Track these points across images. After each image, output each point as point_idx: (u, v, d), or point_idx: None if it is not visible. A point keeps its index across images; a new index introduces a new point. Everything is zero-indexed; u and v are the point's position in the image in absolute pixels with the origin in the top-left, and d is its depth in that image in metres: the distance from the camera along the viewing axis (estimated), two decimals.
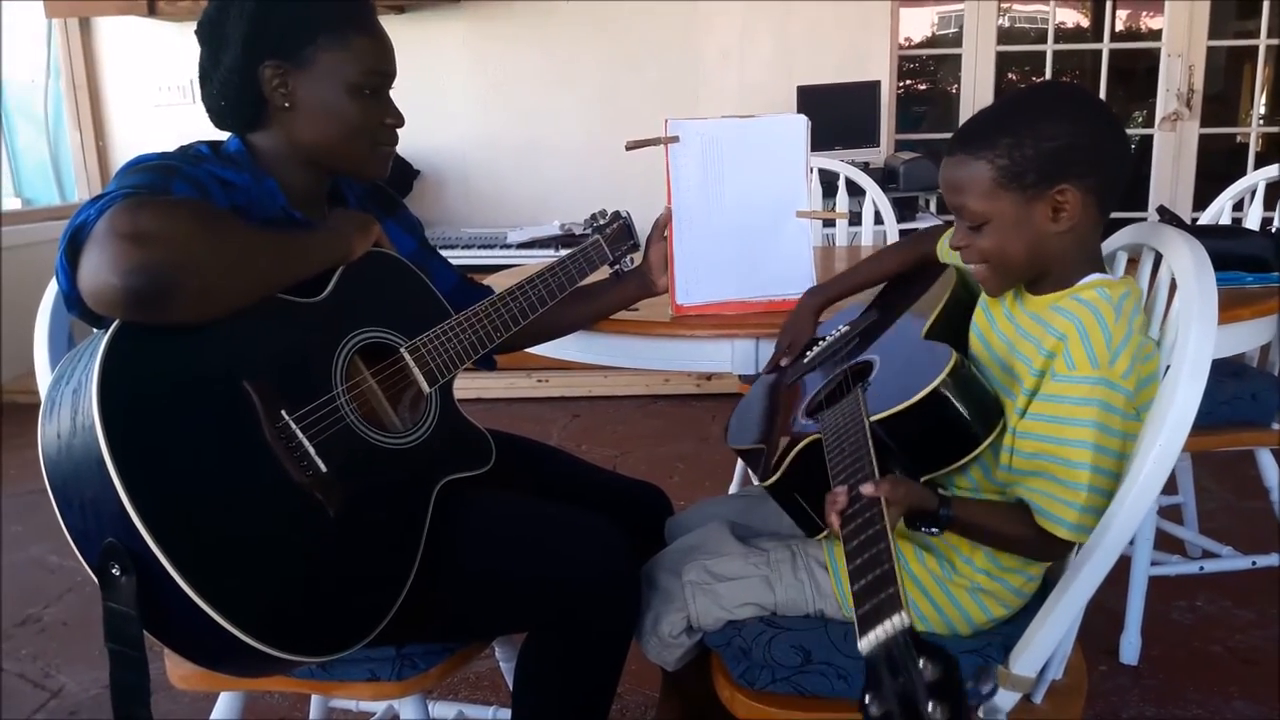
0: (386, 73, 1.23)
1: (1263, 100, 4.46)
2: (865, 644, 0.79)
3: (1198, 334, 0.98)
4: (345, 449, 1.10)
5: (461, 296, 1.41)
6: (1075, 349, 1.03)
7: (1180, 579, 2.23)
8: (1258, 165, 4.32)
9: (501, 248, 3.93)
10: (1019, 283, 1.15)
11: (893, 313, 1.39)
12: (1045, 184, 1.04)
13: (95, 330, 1.03)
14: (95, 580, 0.94)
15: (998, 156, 1.05)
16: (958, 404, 1.09)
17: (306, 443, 1.05)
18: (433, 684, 1.25)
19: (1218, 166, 4.48)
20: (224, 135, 1.26)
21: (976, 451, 1.10)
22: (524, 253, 3.88)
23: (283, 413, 1.05)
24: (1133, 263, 1.28)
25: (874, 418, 1.10)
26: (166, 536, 0.91)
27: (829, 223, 2.92)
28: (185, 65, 4.34)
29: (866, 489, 0.84)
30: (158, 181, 1.06)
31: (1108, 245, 1.25)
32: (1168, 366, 1.02)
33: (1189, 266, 1.03)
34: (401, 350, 1.22)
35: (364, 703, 1.64)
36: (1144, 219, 4.44)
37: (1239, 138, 4.73)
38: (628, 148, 1.59)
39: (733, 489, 2.83)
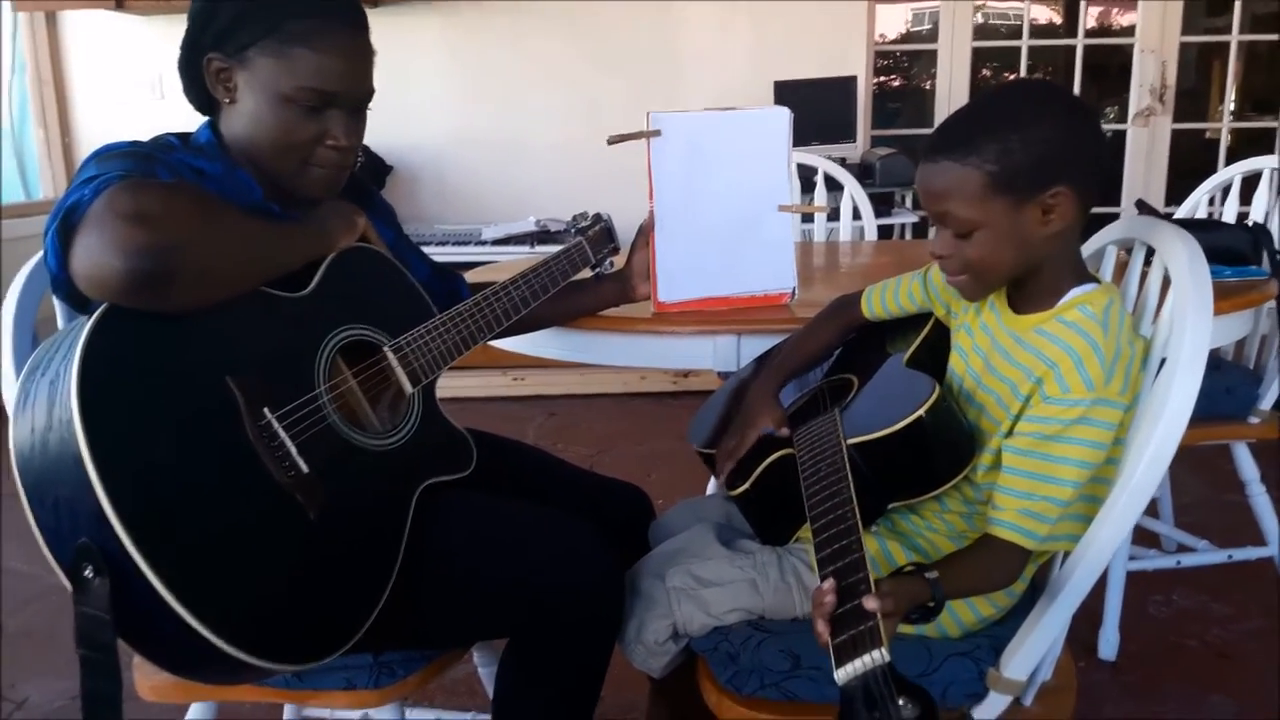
0: (331, 92, 1.15)
1: (1232, 96, 4.50)
2: (842, 675, 0.78)
3: (1193, 328, 0.97)
4: (327, 449, 1.07)
5: (435, 286, 1.39)
6: (1069, 375, 1.02)
7: (1157, 573, 2.24)
8: (1229, 160, 4.37)
9: (476, 244, 3.88)
10: (1000, 288, 1.14)
11: (874, 335, 1.38)
12: (1037, 187, 1.02)
13: (77, 316, 1.00)
14: (65, 584, 0.91)
15: (986, 162, 1.02)
16: (936, 437, 1.10)
17: (289, 442, 1.02)
18: (411, 691, 1.23)
19: (1189, 162, 4.52)
20: (190, 128, 1.22)
21: (948, 485, 1.11)
22: (499, 249, 3.84)
23: (265, 410, 1.01)
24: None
25: (851, 441, 1.09)
26: (144, 537, 0.88)
27: (807, 218, 2.91)
28: (154, 60, 4.26)
29: (869, 604, 0.81)
30: (142, 167, 1.03)
31: (1099, 239, 1.24)
32: (1163, 360, 1.01)
33: (1183, 261, 1.03)
34: (385, 349, 1.19)
35: (338, 711, 1.61)
36: (1117, 214, 4.49)
37: (1209, 133, 4.77)
38: (610, 142, 1.56)
39: (710, 488, 2.81)
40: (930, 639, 1.15)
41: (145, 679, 1.21)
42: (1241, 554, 2.08)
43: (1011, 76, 5.01)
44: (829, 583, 0.87)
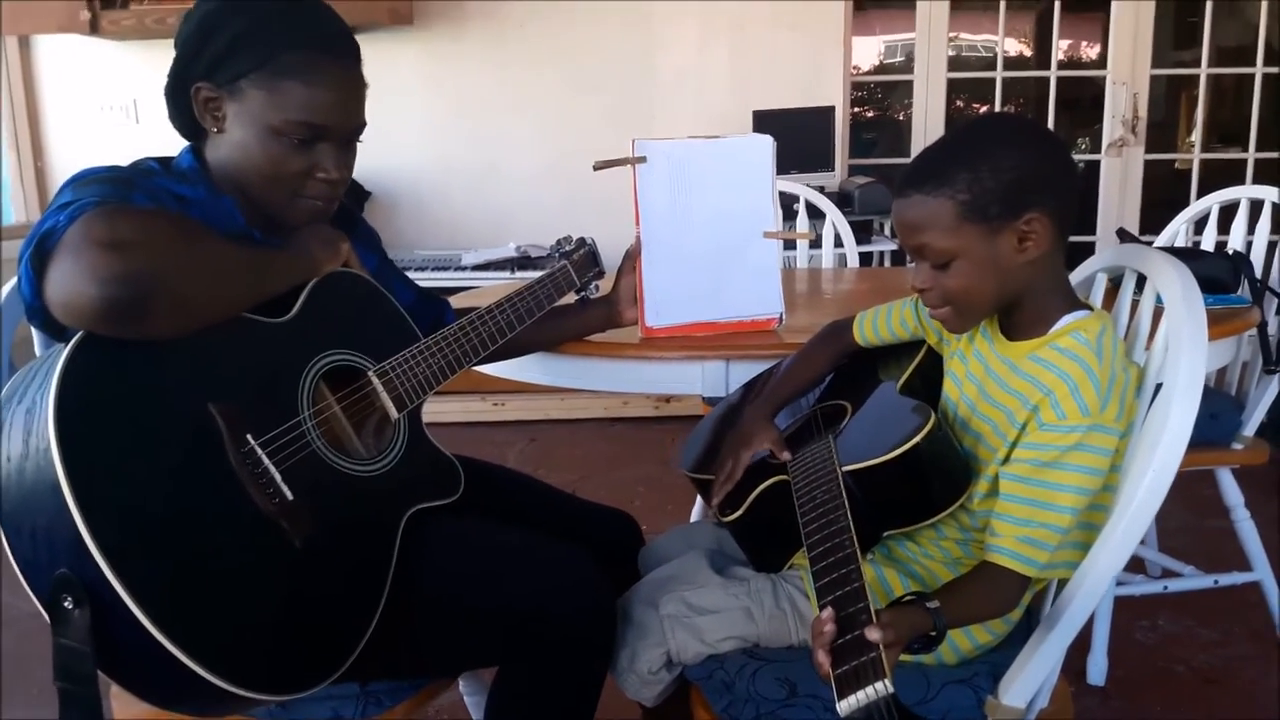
0: (322, 126, 1.14)
1: (1198, 128, 4.58)
2: (845, 706, 0.77)
3: (1189, 354, 0.97)
4: (312, 476, 1.05)
5: (420, 311, 1.38)
6: (1065, 401, 1.02)
7: (1144, 599, 2.24)
8: (1200, 190, 4.44)
9: (456, 269, 3.87)
10: (984, 319, 1.14)
11: (867, 361, 1.38)
12: (1010, 214, 1.03)
13: (53, 345, 0.98)
14: (42, 614, 0.88)
15: (958, 192, 1.03)
16: (932, 465, 1.09)
17: (273, 469, 1.00)
18: None
19: (1161, 191, 4.59)
20: (170, 152, 1.20)
21: (944, 513, 1.11)
22: (479, 275, 3.83)
23: (248, 437, 0.99)
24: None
25: (846, 468, 1.08)
26: (124, 567, 0.85)
27: (789, 244, 2.91)
28: (128, 85, 4.23)
29: (873, 635, 0.80)
30: (119, 193, 1.01)
31: (1088, 266, 1.25)
32: (1157, 386, 1.02)
33: (1177, 289, 1.03)
34: (370, 374, 1.17)
35: None
36: (1093, 243, 4.52)
37: (1178, 163, 4.85)
38: (595, 168, 1.56)
39: (694, 514, 2.80)
40: (927, 667, 1.14)
41: (124, 709, 1.17)
42: (1227, 579, 2.09)
43: (984, 108, 5.07)
44: (828, 612, 0.86)
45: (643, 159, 1.56)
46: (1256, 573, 2.08)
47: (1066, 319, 1.08)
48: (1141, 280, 1.15)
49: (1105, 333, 1.06)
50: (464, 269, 3.87)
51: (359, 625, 1.05)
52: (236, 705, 0.96)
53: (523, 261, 3.87)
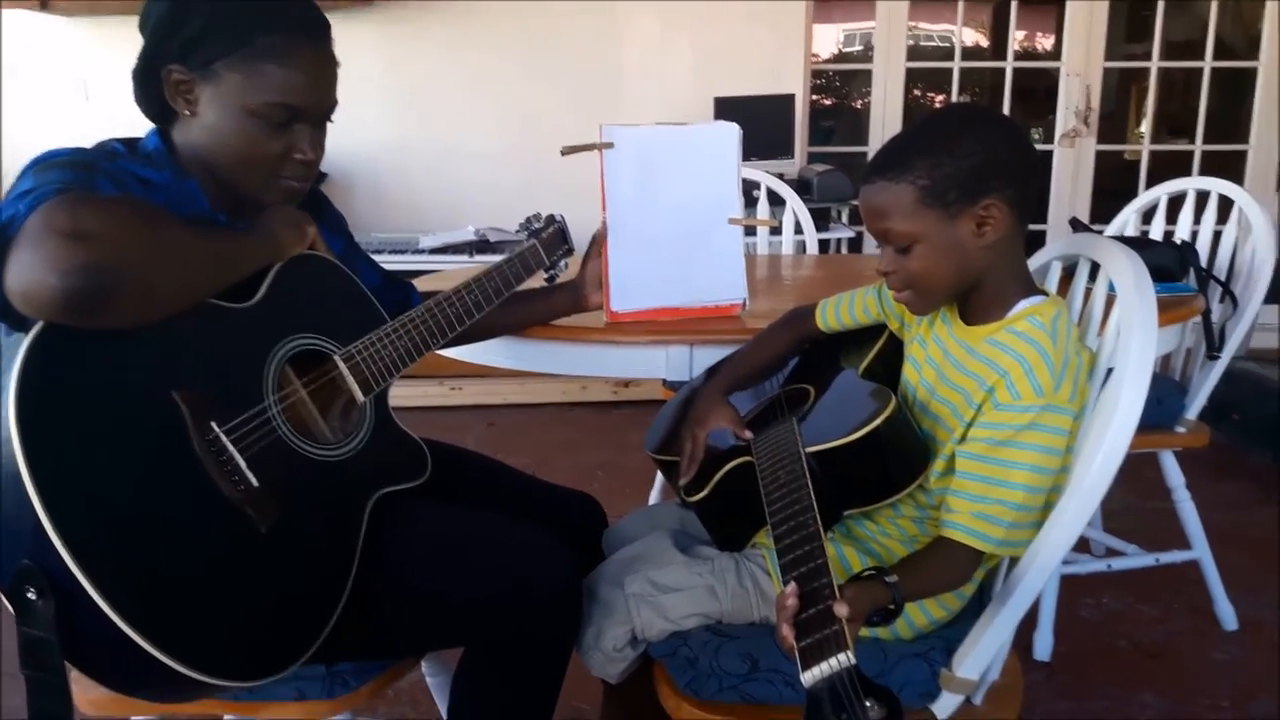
0: (299, 108, 1.14)
1: (1149, 119, 4.68)
2: (808, 677, 0.79)
3: (1140, 340, 1.01)
4: (277, 462, 1.05)
5: (386, 295, 1.38)
6: (1020, 383, 1.05)
7: (1089, 577, 2.31)
8: (1149, 180, 4.54)
9: (414, 253, 3.84)
10: (946, 302, 1.18)
11: (828, 346, 1.41)
12: (968, 200, 1.06)
13: (14, 334, 0.96)
14: (7, 605, 0.88)
15: (918, 178, 1.06)
16: (892, 446, 1.12)
17: (237, 456, 1.00)
18: (364, 702, 1.21)
19: (1111, 181, 4.69)
20: (132, 134, 1.19)
21: (903, 493, 1.14)
22: (437, 258, 3.81)
23: (213, 424, 0.99)
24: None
25: (809, 449, 1.11)
26: (88, 557, 0.85)
27: (749, 231, 2.94)
28: (80, 62, 4.13)
29: (839, 610, 0.83)
30: (81, 179, 0.99)
31: (1043, 254, 1.29)
32: (1108, 370, 1.05)
33: (1128, 276, 1.07)
34: (335, 358, 1.17)
35: None
36: (1044, 232, 4.60)
37: (1127, 154, 4.96)
38: (563, 152, 1.57)
39: (653, 497, 2.83)
40: (884, 641, 1.18)
41: (84, 693, 1.17)
42: (1168, 557, 2.16)
43: (940, 98, 5.14)
44: (791, 587, 0.88)
45: (610, 145, 1.57)
46: (1195, 551, 2.15)
47: (1023, 304, 1.11)
48: (1095, 268, 1.19)
49: (1060, 317, 1.09)
50: (421, 252, 3.84)
51: (325, 609, 1.06)
52: (205, 692, 0.96)
53: (481, 245, 3.86)
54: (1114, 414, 0.99)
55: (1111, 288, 1.12)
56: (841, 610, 0.83)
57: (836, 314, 1.36)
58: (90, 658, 0.92)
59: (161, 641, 0.87)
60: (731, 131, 1.64)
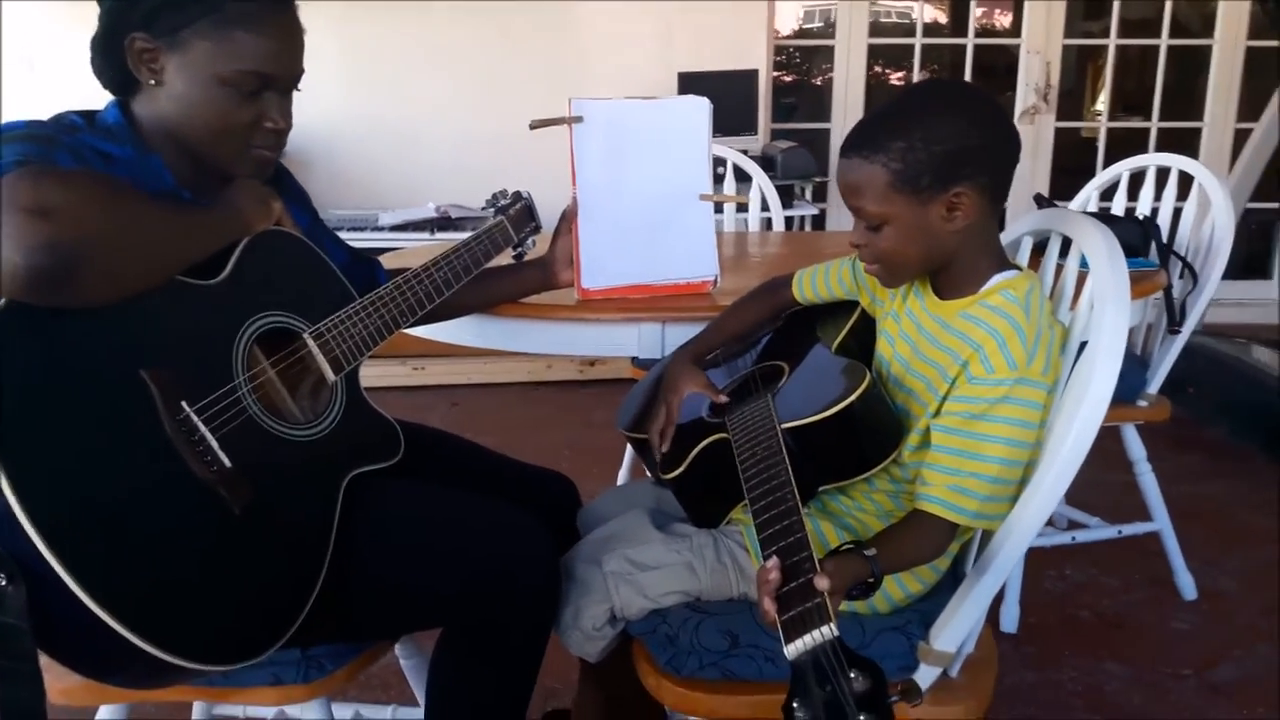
0: (270, 75, 1.12)
1: (1106, 97, 4.73)
2: (792, 650, 0.79)
3: (1113, 314, 1.02)
4: (250, 442, 1.03)
5: (353, 273, 1.35)
6: (994, 355, 1.06)
7: (1053, 549, 2.35)
8: (1107, 157, 4.61)
9: (373, 230, 3.79)
10: (915, 278, 1.18)
11: (802, 323, 1.41)
12: (939, 186, 1.06)
13: None
14: None
15: (891, 160, 1.06)
16: (866, 422, 1.13)
17: (209, 435, 0.98)
18: (339, 686, 1.20)
19: (1070, 158, 4.74)
20: (70, 104, 1.15)
21: (877, 468, 1.14)
22: (396, 235, 3.75)
23: (183, 403, 0.97)
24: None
25: (784, 425, 1.11)
26: (61, 541, 0.83)
27: (717, 208, 2.93)
28: (25, 33, 4.00)
29: (821, 583, 0.83)
30: (40, 152, 0.96)
31: (1015, 229, 1.29)
32: (1083, 343, 1.06)
33: (1102, 250, 1.07)
34: (305, 336, 1.15)
35: (250, 708, 1.55)
36: (1004, 209, 4.64)
37: (1084, 131, 5.02)
38: (532, 126, 1.55)
39: (622, 475, 2.82)
40: (862, 615, 1.18)
41: (55, 681, 1.14)
42: (1130, 529, 2.21)
43: (899, 75, 5.15)
44: (773, 561, 0.88)
45: (579, 119, 1.55)
46: (1156, 523, 2.19)
47: (996, 278, 1.12)
48: (1065, 244, 1.20)
49: (1033, 291, 1.10)
50: (381, 229, 3.79)
51: (302, 592, 1.04)
52: (181, 677, 0.95)
53: (443, 222, 3.81)
54: (1089, 387, 1.00)
55: (1084, 263, 1.13)
56: (823, 583, 0.83)
57: (813, 284, 1.36)
58: (62, 644, 0.90)
59: (136, 625, 0.85)
60: (702, 106, 1.63)
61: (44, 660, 0.94)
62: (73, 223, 0.87)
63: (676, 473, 1.22)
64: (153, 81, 1.10)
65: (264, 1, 1.11)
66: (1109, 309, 1.02)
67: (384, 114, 4.26)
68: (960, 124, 1.06)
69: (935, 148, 1.05)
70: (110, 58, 1.11)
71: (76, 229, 0.88)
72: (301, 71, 1.18)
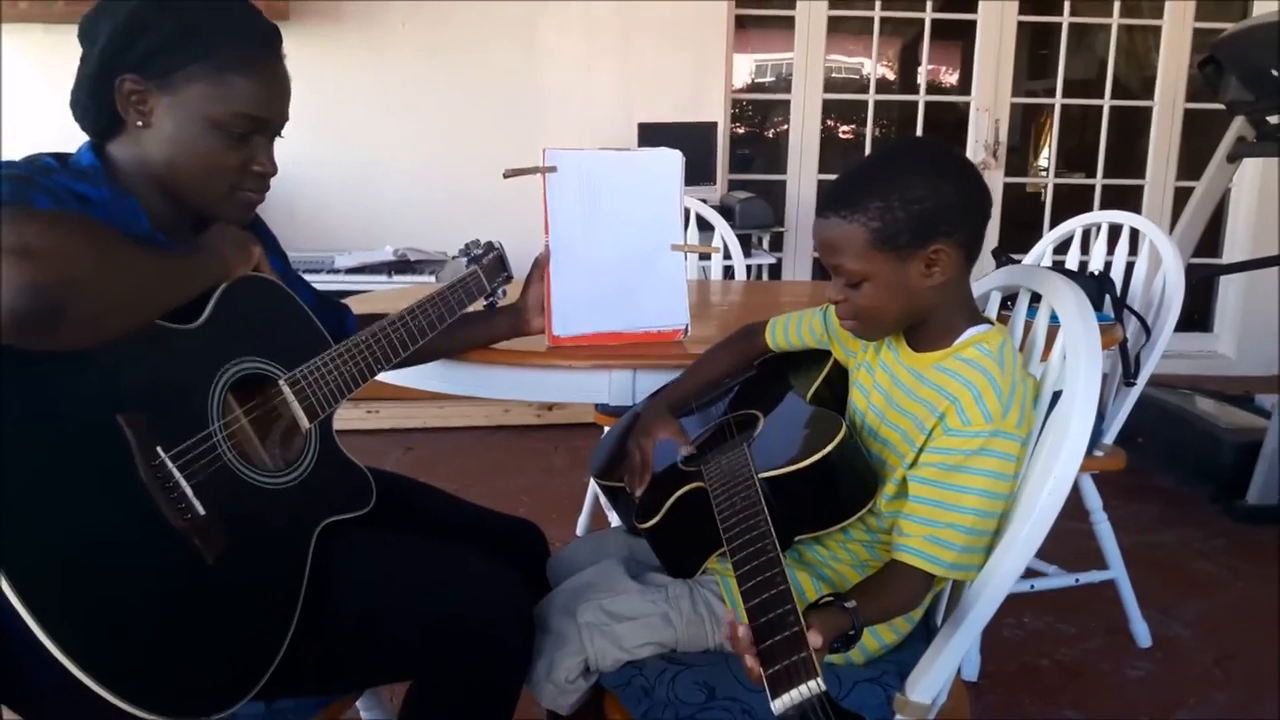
0: (262, 119, 1.14)
1: (1050, 154, 4.88)
2: (779, 705, 0.79)
3: (1086, 369, 1.04)
4: (224, 490, 1.01)
5: (321, 317, 1.33)
6: (970, 408, 1.08)
7: (1010, 597, 2.35)
8: (1053, 212, 4.74)
9: (329, 272, 3.75)
10: (891, 333, 1.20)
11: (775, 371, 1.42)
12: (918, 243, 1.08)
13: None
14: None
15: (870, 220, 1.08)
16: (843, 472, 1.14)
17: (184, 482, 0.96)
18: None
19: (1017, 213, 4.87)
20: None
21: (853, 518, 1.15)
22: (353, 278, 3.72)
23: (158, 450, 0.95)
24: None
25: (761, 475, 1.11)
26: (29, 587, 0.80)
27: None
28: None
29: (814, 640, 0.83)
30: (18, 192, 0.94)
31: (984, 284, 1.32)
32: (1057, 392, 1.08)
33: (1072, 308, 1.10)
34: (281, 383, 1.13)
35: None
36: None
37: (1029, 187, 5.17)
38: (506, 175, 1.56)
39: (582, 521, 2.81)
40: (838, 666, 1.18)
41: None
42: (1087, 577, 2.23)
43: (846, 129, 5.26)
44: (731, 617, 0.90)
45: (553, 168, 1.56)
46: (1112, 571, 2.22)
47: (970, 331, 1.14)
48: (1035, 298, 1.23)
49: (1005, 345, 1.12)
50: (337, 272, 3.75)
51: (273, 643, 1.02)
52: None
53: (400, 265, 3.79)
54: (1064, 439, 1.02)
55: (1054, 318, 1.16)
56: (816, 640, 0.83)
57: (785, 333, 1.38)
58: (27, 697, 0.87)
59: (105, 678, 0.83)
60: (675, 158, 1.66)
61: (6, 712, 0.91)
62: (56, 264, 0.85)
63: (653, 522, 1.22)
64: (140, 123, 1.10)
65: (257, 47, 1.13)
66: (1082, 364, 1.05)
67: (341, 157, 4.25)
68: (936, 182, 1.09)
69: (913, 206, 1.07)
70: (97, 99, 1.10)
71: (59, 271, 0.86)
72: (287, 118, 1.19)
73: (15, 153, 1.10)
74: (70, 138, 1.16)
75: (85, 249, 0.89)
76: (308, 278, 1.43)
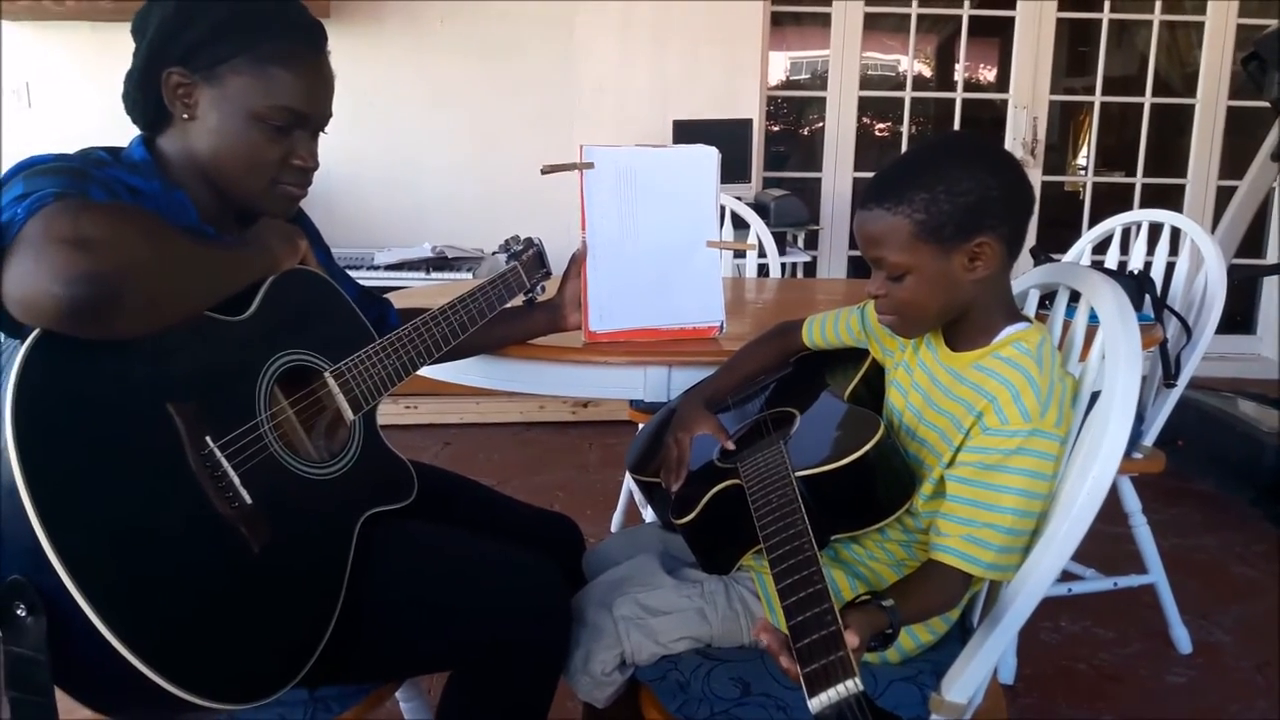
0: (303, 113, 1.15)
1: (1089, 152, 4.83)
2: (816, 704, 0.80)
3: (1125, 369, 1.03)
4: (270, 480, 1.03)
5: (364, 310, 1.35)
6: (1008, 407, 1.07)
7: (1047, 601, 2.34)
8: (1092, 211, 4.68)
9: (369, 269, 3.79)
10: (930, 329, 1.20)
11: (810, 369, 1.42)
12: (962, 236, 1.08)
13: (8, 340, 0.93)
14: None
15: (915, 211, 1.08)
16: (880, 472, 1.14)
17: (232, 472, 0.98)
18: None
19: (1055, 212, 4.82)
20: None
21: (890, 518, 1.15)
22: (392, 274, 3.77)
23: (208, 439, 0.97)
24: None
25: (798, 473, 1.12)
26: (83, 572, 0.82)
27: None
28: (21, 67, 4.02)
29: (852, 640, 0.83)
30: (75, 185, 0.96)
31: (1023, 281, 1.31)
32: (1095, 392, 1.08)
33: (1112, 307, 1.09)
34: (326, 375, 1.15)
35: None
36: None
37: (1067, 186, 5.11)
38: (543, 172, 1.57)
39: (616, 518, 2.82)
40: (873, 665, 1.18)
41: (63, 715, 1.12)
42: (1125, 581, 2.21)
43: (882, 126, 5.23)
44: (763, 620, 0.90)
45: (590, 165, 1.57)
46: (1152, 575, 2.20)
47: (1008, 330, 1.13)
48: (1073, 297, 1.22)
49: (1044, 343, 1.12)
50: (377, 268, 3.80)
51: (316, 631, 1.03)
52: (193, 714, 0.93)
53: (439, 262, 3.83)
54: (1103, 439, 1.01)
55: (1093, 317, 1.15)
56: (853, 640, 0.83)
57: (823, 331, 1.38)
58: (79, 678, 0.89)
59: (154, 661, 0.85)
60: (711, 155, 1.67)
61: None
62: (112, 254, 0.88)
63: (689, 518, 1.23)
64: (186, 116, 1.12)
65: (299, 42, 1.15)
66: (1121, 364, 1.04)
67: (381, 154, 4.29)
68: (981, 175, 1.08)
69: (959, 199, 1.07)
70: (146, 91, 1.13)
71: (116, 261, 0.88)
72: (330, 114, 1.21)
73: (65, 149, 1.12)
74: (116, 135, 1.18)
75: (140, 240, 0.92)
76: (349, 274, 1.45)
